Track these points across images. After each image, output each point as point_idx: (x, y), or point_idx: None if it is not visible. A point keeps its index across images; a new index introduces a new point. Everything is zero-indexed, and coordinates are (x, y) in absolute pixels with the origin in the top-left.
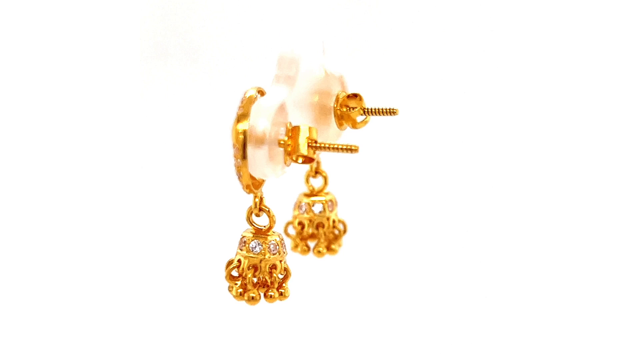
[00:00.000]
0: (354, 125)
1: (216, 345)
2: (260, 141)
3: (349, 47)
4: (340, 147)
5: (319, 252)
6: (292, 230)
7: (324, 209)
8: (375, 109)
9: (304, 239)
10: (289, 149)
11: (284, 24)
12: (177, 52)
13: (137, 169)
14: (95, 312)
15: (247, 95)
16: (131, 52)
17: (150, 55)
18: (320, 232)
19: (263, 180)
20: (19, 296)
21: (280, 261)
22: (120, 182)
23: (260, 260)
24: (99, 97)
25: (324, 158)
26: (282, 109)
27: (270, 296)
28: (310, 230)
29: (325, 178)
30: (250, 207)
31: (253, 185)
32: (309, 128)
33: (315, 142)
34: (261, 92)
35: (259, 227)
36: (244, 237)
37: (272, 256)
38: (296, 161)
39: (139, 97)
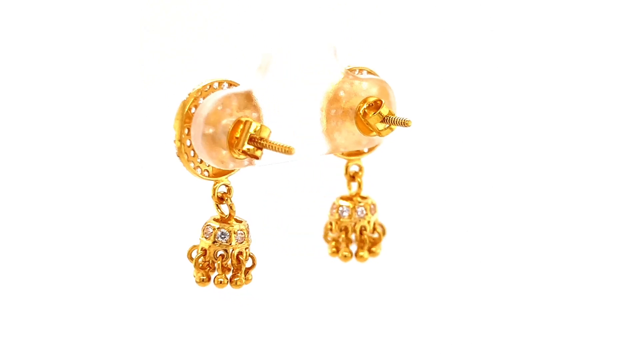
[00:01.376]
0: (378, 132)
1: (205, 346)
2: (199, 126)
3: (348, 48)
4: (277, 146)
5: (344, 256)
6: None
7: (351, 213)
8: (389, 117)
9: (331, 240)
10: (234, 141)
11: (284, 24)
12: (177, 51)
13: (137, 168)
14: (88, 308)
15: (200, 85)
16: (131, 52)
17: (150, 55)
18: (341, 236)
19: (226, 171)
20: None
21: (233, 250)
22: (119, 182)
23: (209, 246)
24: (97, 97)
25: (370, 163)
26: (235, 99)
27: (220, 282)
28: (336, 233)
29: (359, 184)
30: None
31: (216, 174)
32: (260, 126)
33: (262, 139)
34: (233, 85)
35: (223, 216)
36: (206, 221)
37: (221, 243)
38: (245, 154)
39: (138, 97)
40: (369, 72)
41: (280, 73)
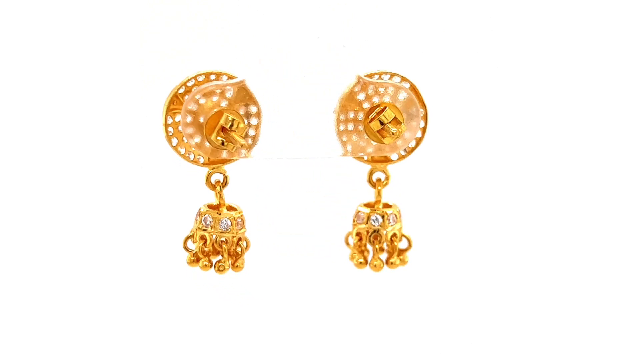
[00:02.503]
0: (380, 139)
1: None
2: (182, 112)
3: (348, 48)
4: (235, 141)
5: (359, 263)
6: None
7: (366, 221)
8: (386, 126)
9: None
10: (211, 131)
11: (285, 24)
12: (177, 51)
13: (136, 167)
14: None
15: (194, 74)
16: (131, 52)
17: (150, 55)
18: (356, 243)
19: (222, 159)
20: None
21: (213, 236)
22: (119, 180)
23: (196, 229)
24: (97, 97)
25: (397, 172)
26: (230, 90)
27: (205, 265)
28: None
29: (378, 192)
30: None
31: (213, 162)
32: (233, 119)
33: (230, 131)
34: (230, 77)
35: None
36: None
37: (204, 228)
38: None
39: (138, 97)
40: (403, 80)
41: (278, 71)
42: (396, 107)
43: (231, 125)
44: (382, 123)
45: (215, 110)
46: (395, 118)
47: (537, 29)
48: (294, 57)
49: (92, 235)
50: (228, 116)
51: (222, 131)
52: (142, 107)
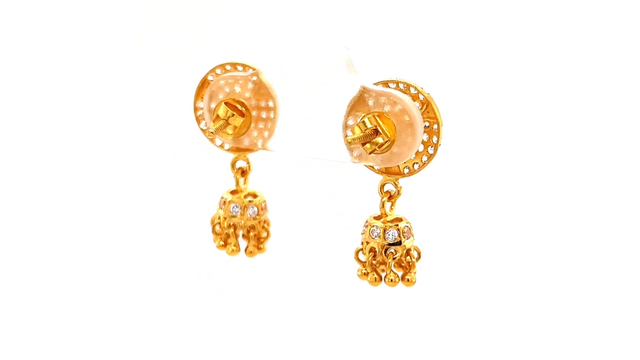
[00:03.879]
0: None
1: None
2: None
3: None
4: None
5: (363, 273)
6: None
7: (365, 230)
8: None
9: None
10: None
11: (285, 25)
12: (177, 51)
13: (137, 168)
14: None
15: (222, 62)
16: (131, 52)
17: (150, 55)
18: (357, 251)
19: (243, 148)
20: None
21: (224, 218)
22: (119, 181)
23: (217, 209)
24: (97, 97)
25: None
26: (250, 83)
27: (221, 244)
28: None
29: (382, 203)
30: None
31: (238, 149)
32: (233, 113)
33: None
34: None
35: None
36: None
37: (220, 211)
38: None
39: (139, 97)
40: (419, 92)
41: (280, 71)
42: (388, 118)
43: (229, 117)
44: (365, 128)
45: (224, 100)
46: (375, 128)
47: (554, 42)
48: (290, 58)
49: (115, 220)
50: (228, 109)
51: (215, 120)
52: (142, 109)
